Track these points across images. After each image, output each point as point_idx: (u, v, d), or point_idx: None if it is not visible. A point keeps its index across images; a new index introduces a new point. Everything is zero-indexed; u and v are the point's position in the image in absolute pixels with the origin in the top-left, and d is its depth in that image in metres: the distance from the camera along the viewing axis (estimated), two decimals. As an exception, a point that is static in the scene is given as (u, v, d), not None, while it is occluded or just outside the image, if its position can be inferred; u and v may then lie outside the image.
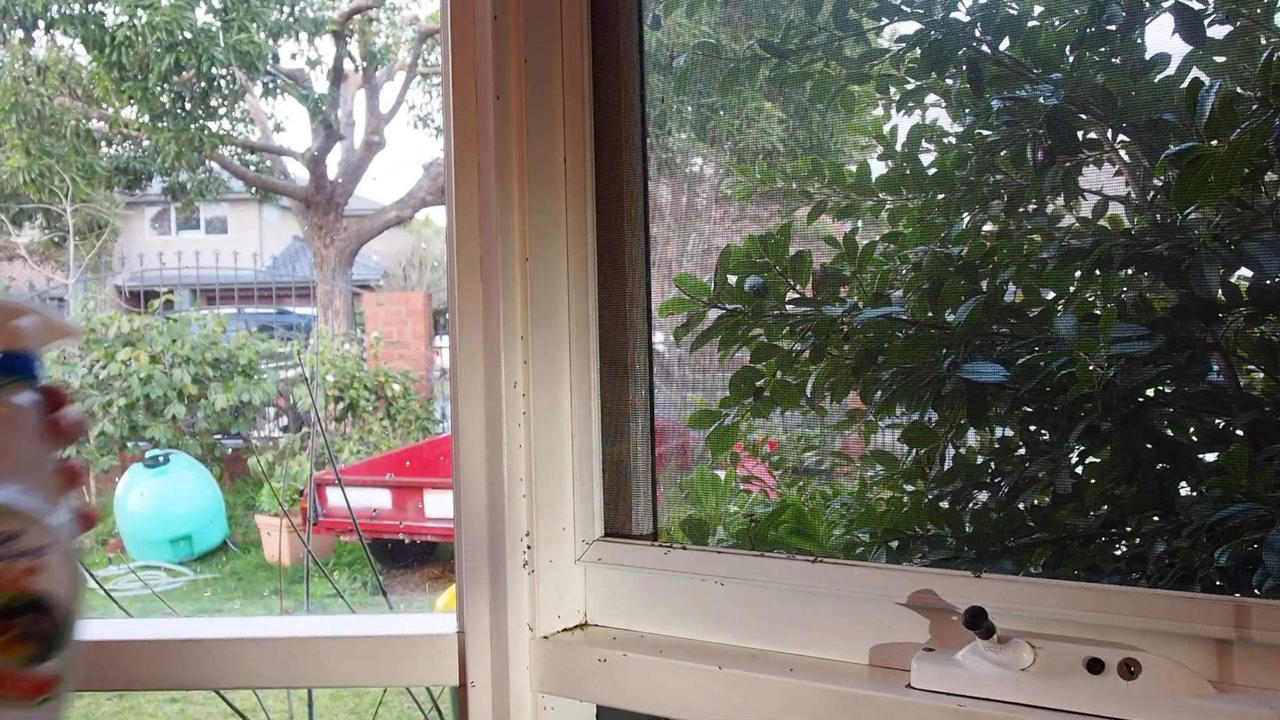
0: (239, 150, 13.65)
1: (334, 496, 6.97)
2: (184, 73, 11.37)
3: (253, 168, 14.08)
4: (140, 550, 7.36)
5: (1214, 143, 0.88)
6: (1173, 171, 0.94)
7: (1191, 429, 1.03)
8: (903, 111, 1.12)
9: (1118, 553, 1.03)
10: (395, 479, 7.39)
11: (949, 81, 1.09)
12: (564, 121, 1.09)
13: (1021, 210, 1.08)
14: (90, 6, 11.31)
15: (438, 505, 7.16)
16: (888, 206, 1.14)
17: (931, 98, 1.11)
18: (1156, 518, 1.01)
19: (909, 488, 1.13)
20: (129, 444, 8.54)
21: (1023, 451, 1.09)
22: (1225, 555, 0.90)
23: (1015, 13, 1.05)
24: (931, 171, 1.12)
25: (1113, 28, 1.00)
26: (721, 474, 1.21)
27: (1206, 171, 0.88)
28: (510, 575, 1.05)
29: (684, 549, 1.06)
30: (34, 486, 0.73)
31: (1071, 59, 1.02)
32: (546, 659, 1.06)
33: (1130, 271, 1.03)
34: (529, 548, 1.07)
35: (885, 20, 1.11)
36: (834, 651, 0.98)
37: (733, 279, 1.14)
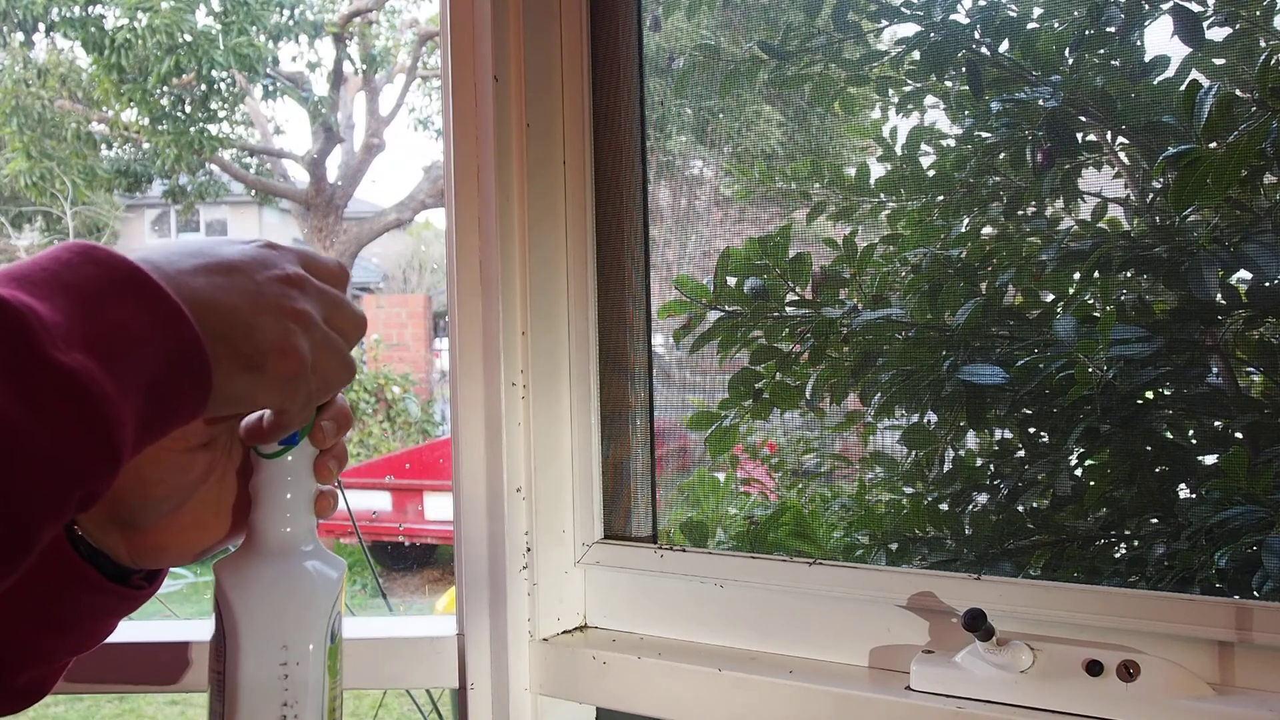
0: (239, 153, 13.66)
1: (333, 498, 6.96)
2: (184, 75, 11.38)
3: (253, 170, 14.09)
4: (140, 553, 7.35)
5: (1212, 145, 0.88)
6: (1171, 173, 0.94)
7: (1190, 431, 1.03)
8: (902, 114, 1.12)
9: (1117, 555, 1.03)
10: (395, 481, 7.38)
11: (948, 84, 1.09)
12: (564, 124, 1.09)
13: (1020, 213, 1.08)
14: (90, 9, 11.32)
15: (437, 507, 7.16)
16: (887, 209, 1.14)
17: (931, 100, 1.11)
18: (1156, 520, 1.01)
19: (908, 490, 1.13)
20: (129, 446, 8.53)
21: (1022, 454, 1.09)
22: (1225, 558, 0.90)
23: (1015, 15, 1.05)
24: (931, 174, 1.13)
25: (1112, 30, 1.00)
26: (721, 476, 1.21)
27: (1204, 174, 0.89)
28: (510, 578, 1.05)
29: (683, 551, 1.06)
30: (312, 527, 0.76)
31: (1071, 61, 1.02)
32: (546, 661, 1.06)
33: (1129, 274, 1.03)
34: (528, 550, 1.07)
35: (885, 22, 1.12)
36: (833, 653, 0.98)
37: (732, 281, 1.14)
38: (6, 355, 0.48)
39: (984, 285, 1.06)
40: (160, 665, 1.05)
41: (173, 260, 0.60)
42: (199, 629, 1.08)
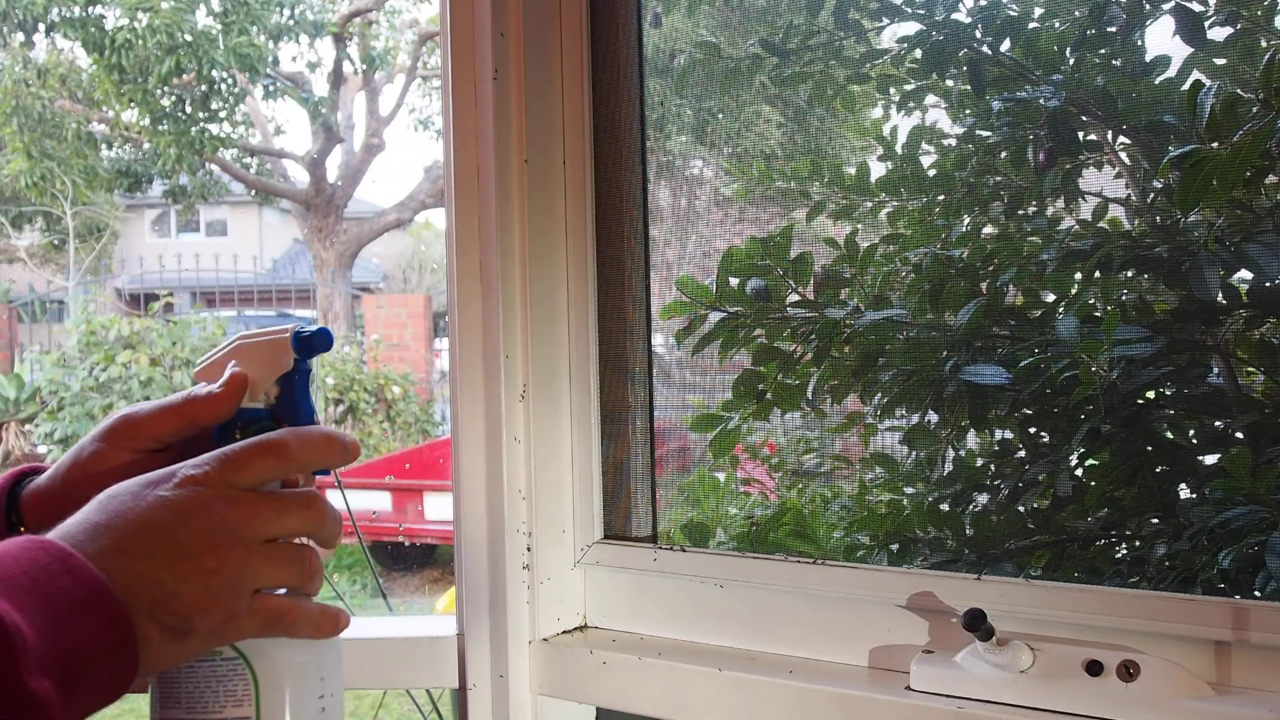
0: (239, 153, 13.67)
1: (333, 498, 6.98)
2: (184, 75, 11.38)
3: (253, 170, 14.10)
4: (140, 553, 7.35)
5: (1215, 145, 0.88)
6: (1175, 174, 0.94)
7: (1191, 431, 1.03)
8: (903, 113, 1.12)
9: (1118, 555, 1.03)
10: (395, 481, 7.39)
11: (949, 83, 1.09)
12: (564, 124, 1.09)
13: (1022, 212, 1.08)
14: (90, 9, 11.33)
15: (437, 507, 7.17)
16: (888, 208, 1.14)
17: (932, 99, 1.11)
18: (1156, 520, 1.01)
19: (909, 490, 1.13)
20: (129, 446, 8.52)
21: (1023, 454, 1.09)
22: (1228, 558, 0.90)
23: (1016, 14, 1.05)
24: (931, 173, 1.12)
25: (1113, 29, 1.00)
26: (721, 476, 1.21)
27: (1209, 174, 0.88)
28: (510, 578, 1.05)
29: (683, 551, 1.06)
30: None
31: (1072, 61, 1.02)
32: (546, 661, 1.06)
33: (1130, 274, 1.03)
34: (528, 550, 1.07)
35: (886, 21, 1.11)
36: (833, 654, 0.98)
37: (734, 281, 1.14)
38: None
39: (985, 285, 1.06)
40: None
41: (96, 537, 0.63)
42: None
